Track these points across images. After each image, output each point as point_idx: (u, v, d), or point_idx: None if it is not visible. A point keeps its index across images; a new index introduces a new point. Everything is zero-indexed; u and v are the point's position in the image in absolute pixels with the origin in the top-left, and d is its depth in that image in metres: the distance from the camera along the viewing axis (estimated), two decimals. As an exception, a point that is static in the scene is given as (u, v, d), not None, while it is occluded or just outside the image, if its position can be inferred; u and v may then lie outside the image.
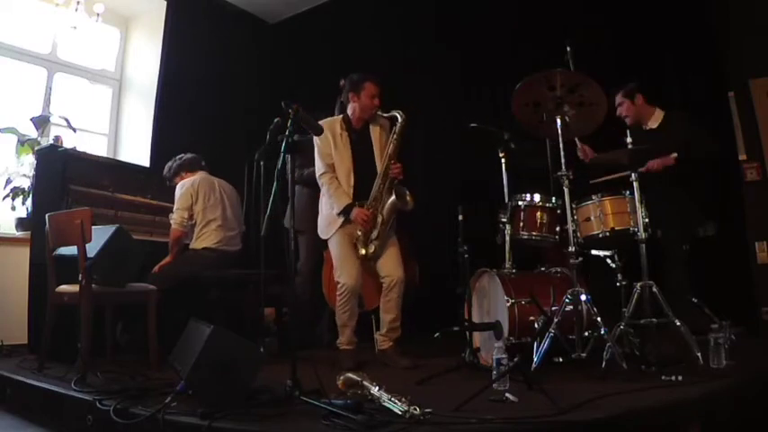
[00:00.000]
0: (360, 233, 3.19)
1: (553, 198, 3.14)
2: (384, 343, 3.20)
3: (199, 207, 3.59)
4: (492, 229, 3.31)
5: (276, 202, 2.34)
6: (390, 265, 3.20)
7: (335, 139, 3.27)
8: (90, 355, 2.76)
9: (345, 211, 3.19)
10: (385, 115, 3.30)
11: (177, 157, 3.85)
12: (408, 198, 3.19)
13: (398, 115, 3.25)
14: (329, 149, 3.27)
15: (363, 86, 3.28)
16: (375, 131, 3.35)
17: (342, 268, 3.17)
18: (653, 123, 3.54)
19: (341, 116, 3.37)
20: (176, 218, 3.56)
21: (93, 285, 2.86)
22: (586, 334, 2.72)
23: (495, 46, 4.54)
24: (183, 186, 3.63)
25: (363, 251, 3.19)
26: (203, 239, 3.58)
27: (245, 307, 3.73)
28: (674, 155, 3.31)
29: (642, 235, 2.75)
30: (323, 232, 3.32)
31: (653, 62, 3.98)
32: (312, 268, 3.96)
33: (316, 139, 3.25)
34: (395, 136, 3.25)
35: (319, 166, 3.30)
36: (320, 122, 3.30)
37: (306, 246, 3.91)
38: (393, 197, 3.18)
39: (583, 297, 2.74)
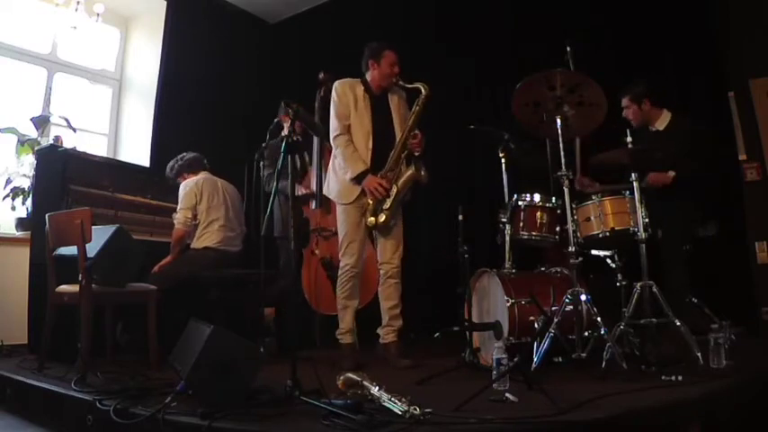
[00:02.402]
0: (371, 201, 3.12)
1: (553, 198, 3.14)
2: (388, 336, 3.16)
3: (203, 207, 3.59)
4: (492, 229, 3.31)
5: (274, 203, 2.33)
6: (389, 253, 3.17)
7: (357, 100, 3.18)
8: (90, 355, 2.76)
9: (359, 178, 3.10)
10: (408, 86, 3.21)
11: (179, 156, 3.84)
12: (424, 172, 3.12)
13: (422, 87, 3.16)
14: (348, 110, 3.17)
15: (383, 54, 3.20)
16: (393, 100, 3.28)
17: (347, 245, 3.15)
18: (659, 125, 3.53)
19: (359, 79, 3.27)
20: (180, 217, 3.56)
21: (93, 285, 2.85)
22: (586, 334, 2.72)
23: (495, 46, 4.54)
24: (186, 186, 3.63)
25: (372, 219, 3.11)
26: (205, 239, 3.58)
27: (245, 307, 3.73)
28: (672, 173, 3.33)
29: (642, 235, 2.74)
30: (336, 196, 3.23)
31: (653, 62, 3.98)
32: (297, 269, 3.97)
33: (334, 97, 3.16)
34: (417, 108, 3.17)
35: (334, 127, 3.18)
36: (338, 82, 3.26)
37: (289, 250, 3.92)
38: (412, 169, 3.11)
39: (583, 297, 2.74)
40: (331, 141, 3.25)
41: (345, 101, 3.18)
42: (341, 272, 3.17)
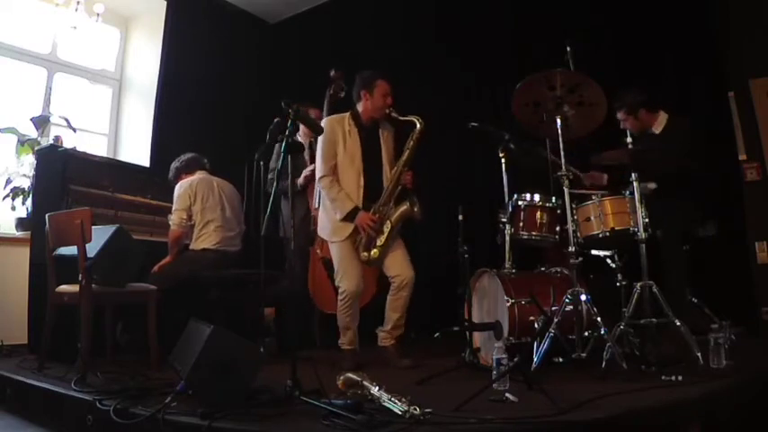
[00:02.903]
0: (363, 237, 3.10)
1: (553, 198, 3.14)
2: (386, 340, 3.16)
3: (197, 208, 3.58)
4: (492, 229, 3.31)
5: (274, 204, 2.33)
6: (399, 265, 3.12)
7: (345, 137, 3.14)
8: (90, 355, 2.76)
9: (350, 217, 3.08)
10: (402, 118, 3.14)
11: (178, 158, 3.85)
12: (417, 208, 3.08)
13: (417, 122, 3.10)
14: (335, 149, 3.13)
15: (376, 84, 3.14)
16: (384, 134, 3.25)
17: (343, 273, 3.11)
18: (656, 129, 3.50)
19: (349, 113, 3.22)
20: (175, 218, 3.56)
21: (93, 285, 2.86)
22: (586, 334, 2.72)
23: (495, 46, 4.54)
24: (181, 187, 3.63)
25: (366, 255, 3.10)
26: (202, 240, 3.58)
27: (245, 307, 3.73)
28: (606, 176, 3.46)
29: (642, 235, 2.74)
30: (327, 235, 3.21)
31: (653, 62, 3.98)
32: (303, 268, 3.98)
33: (322, 135, 3.10)
34: (412, 142, 3.12)
35: (320, 168, 3.16)
36: (327, 119, 3.25)
37: (294, 251, 3.92)
38: (406, 205, 3.09)
39: (583, 297, 2.75)
40: (316, 182, 3.24)
41: (333, 139, 3.12)
42: (341, 296, 3.12)
